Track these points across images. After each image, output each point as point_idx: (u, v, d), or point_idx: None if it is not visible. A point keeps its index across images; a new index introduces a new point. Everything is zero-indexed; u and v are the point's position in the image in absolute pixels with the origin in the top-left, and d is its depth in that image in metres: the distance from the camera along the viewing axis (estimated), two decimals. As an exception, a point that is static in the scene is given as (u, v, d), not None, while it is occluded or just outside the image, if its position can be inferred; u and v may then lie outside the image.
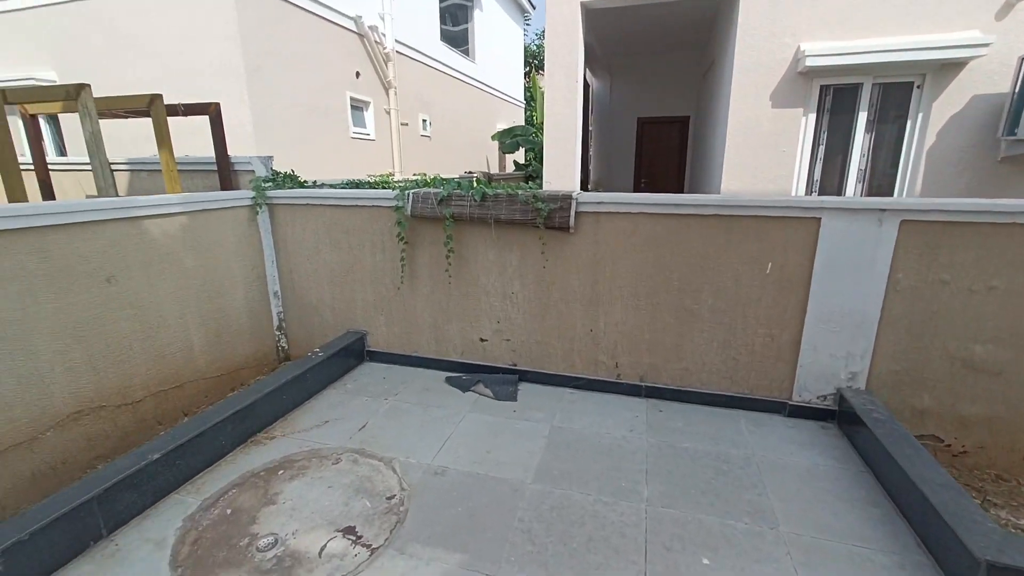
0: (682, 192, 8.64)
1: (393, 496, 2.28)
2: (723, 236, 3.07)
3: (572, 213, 3.23)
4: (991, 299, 2.75)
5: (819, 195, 4.83)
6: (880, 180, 4.52)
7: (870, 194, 4.74)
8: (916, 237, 2.77)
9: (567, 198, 3.23)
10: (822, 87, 4.51)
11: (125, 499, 2.16)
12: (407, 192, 3.55)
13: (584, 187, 8.80)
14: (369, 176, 5.95)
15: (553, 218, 3.26)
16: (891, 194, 4.50)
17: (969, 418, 2.91)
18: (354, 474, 2.45)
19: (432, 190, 3.52)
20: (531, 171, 11.47)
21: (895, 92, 4.39)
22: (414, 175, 4.14)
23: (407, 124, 11.70)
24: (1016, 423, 2.84)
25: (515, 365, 3.63)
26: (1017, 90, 3.56)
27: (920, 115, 4.08)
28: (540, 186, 5.56)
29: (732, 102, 4.91)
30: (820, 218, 2.89)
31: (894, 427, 2.63)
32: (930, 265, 2.79)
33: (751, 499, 2.39)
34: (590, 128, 9.65)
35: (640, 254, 3.23)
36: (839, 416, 3.08)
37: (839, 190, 4.60)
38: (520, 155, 15.43)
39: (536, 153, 12.45)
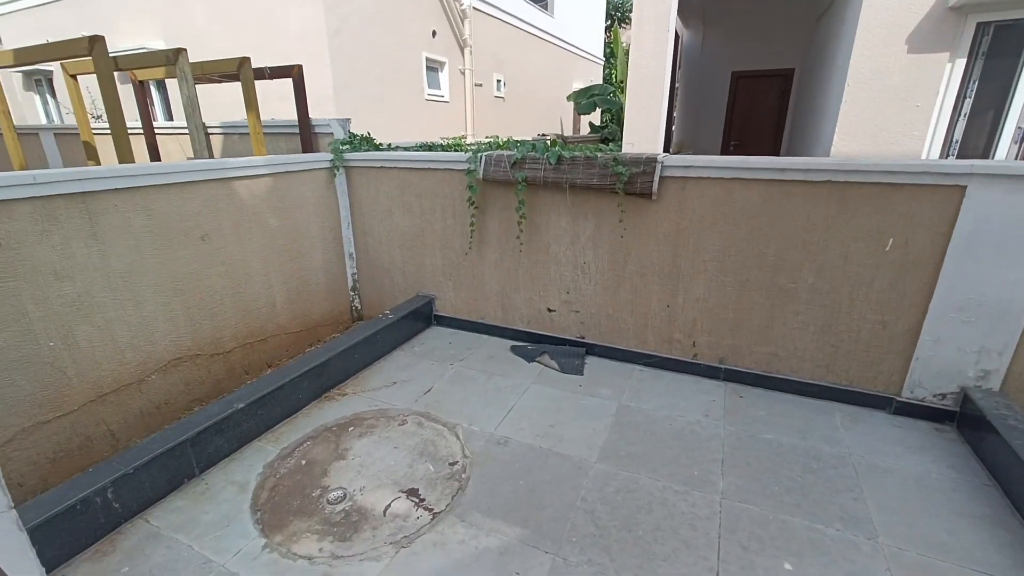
0: (777, 156, 7.79)
1: (456, 462, 2.30)
2: (835, 206, 2.66)
3: (656, 178, 2.96)
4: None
5: (959, 159, 4.07)
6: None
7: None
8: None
9: (651, 161, 2.96)
10: (979, 25, 3.69)
11: (214, 443, 2.35)
12: (480, 155, 3.43)
13: (665, 150, 8.22)
14: (442, 139, 5.92)
15: (634, 183, 3.01)
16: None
17: None
18: (419, 436, 2.49)
19: (506, 152, 3.38)
20: (607, 133, 10.88)
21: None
22: (487, 138, 4.02)
23: (481, 85, 11.50)
24: None
25: (583, 338, 3.49)
26: None
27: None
28: (619, 149, 5.22)
29: (856, 47, 4.20)
30: (966, 186, 2.40)
31: None
32: None
33: (845, 503, 2.13)
34: (676, 85, 8.89)
35: (731, 224, 2.90)
36: (960, 419, 2.66)
37: (985, 153, 3.84)
38: (596, 117, 14.73)
39: (613, 114, 11.75)
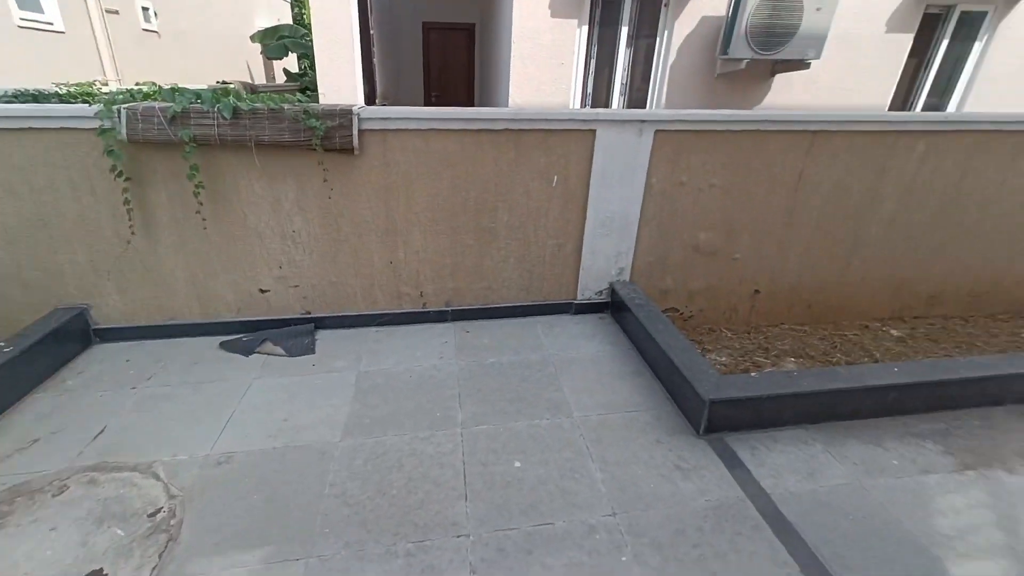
0: (473, 107, 8.50)
1: (158, 510, 1.85)
2: (513, 151, 3.06)
3: (355, 131, 2.81)
4: (712, 195, 3.39)
5: (591, 108, 5.24)
6: (637, 94, 5.08)
7: (630, 107, 5.34)
8: (666, 146, 3.19)
9: (347, 114, 2.78)
10: (591, -2, 4.70)
11: None
12: (117, 108, 2.60)
13: (371, 101, 7.97)
14: (57, 85, 4.26)
15: (332, 138, 2.80)
16: (644, 106, 5.14)
17: (695, 291, 3.69)
18: (93, 500, 1.89)
19: (158, 104, 2.65)
20: (307, 82, 9.86)
21: (649, 8, 4.82)
22: (138, 84, 3.05)
23: (117, 12, 8.69)
24: (722, 289, 3.71)
25: (309, 313, 3.23)
26: (730, 14, 4.25)
27: (666, 32, 4.61)
28: (317, 100, 4.77)
29: (515, 9, 4.79)
30: (595, 130, 3.08)
31: (650, 308, 3.17)
32: (674, 169, 3.27)
33: (550, 396, 2.66)
34: (372, 32, 8.58)
35: (435, 174, 3.04)
36: (612, 306, 3.58)
37: (607, 103, 5.04)
38: (293, 62, 13.11)
39: (312, 60, 10.68)
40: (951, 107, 5.29)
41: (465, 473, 2.11)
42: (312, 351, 2.98)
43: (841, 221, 3.58)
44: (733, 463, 2.22)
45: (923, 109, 5.27)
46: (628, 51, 4.93)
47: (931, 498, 2.04)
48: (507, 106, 5.26)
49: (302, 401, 2.55)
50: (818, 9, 4.14)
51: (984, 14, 4.89)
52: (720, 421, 2.37)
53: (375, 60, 8.70)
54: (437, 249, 3.24)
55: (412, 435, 2.32)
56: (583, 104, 5.03)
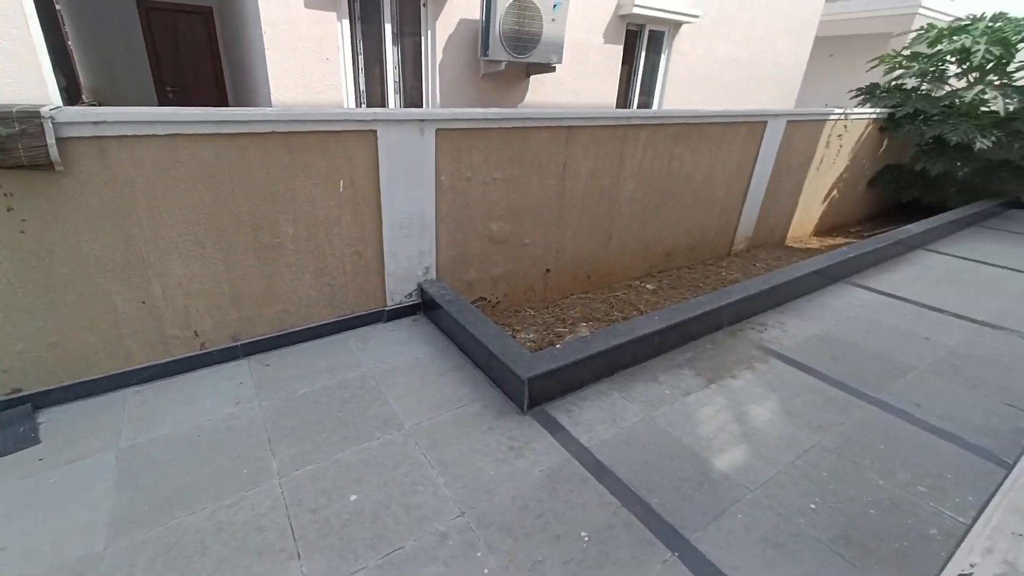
0: (226, 105, 7.37)
1: None
2: (287, 156, 2.74)
3: (50, 141, 2.11)
4: (497, 188, 3.63)
5: (367, 107, 5.04)
6: (411, 92, 5.10)
7: (407, 105, 5.33)
8: (449, 143, 3.27)
9: (31, 117, 2.06)
10: (345, -10, 4.47)
11: None
12: None
13: (76, 100, 6.17)
14: None
15: (13, 151, 2.05)
16: (421, 105, 5.19)
17: (497, 278, 3.95)
18: None
19: None
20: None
21: (409, 7, 4.83)
22: None
23: None
24: (520, 273, 4.06)
25: (18, 391, 2.36)
26: (484, 19, 4.57)
27: (429, 32, 4.71)
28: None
29: (256, -6, 4.23)
30: (376, 130, 2.96)
31: (459, 302, 3.26)
32: (459, 166, 3.39)
33: (377, 413, 2.52)
34: (58, 7, 6.53)
35: (190, 189, 2.51)
36: (424, 307, 3.58)
37: (383, 101, 4.93)
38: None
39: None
40: (655, 104, 6.79)
41: (293, 528, 1.85)
42: (34, 441, 2.19)
43: (599, 202, 4.26)
44: (555, 429, 2.46)
45: (638, 106, 6.63)
46: (395, 49, 4.89)
47: (693, 413, 2.62)
48: (270, 105, 4.68)
49: (31, 516, 1.85)
50: (553, 20, 4.80)
51: (663, 33, 6.39)
52: (539, 395, 2.60)
53: (70, 44, 6.73)
54: (209, 277, 2.71)
55: (214, 507, 1.92)
56: (358, 103, 4.81)
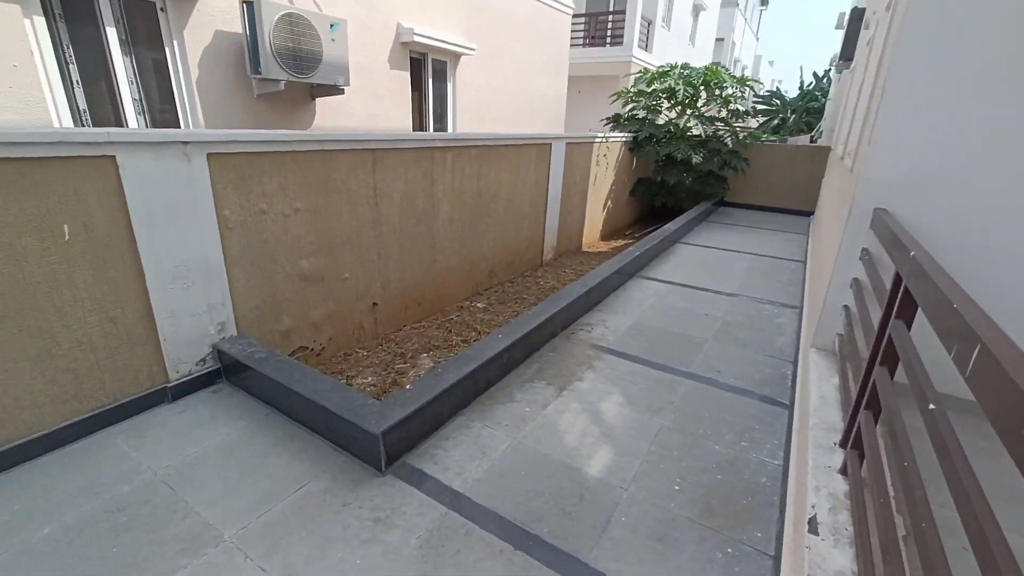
0: None
1: None
2: (-49, 197, 1.82)
3: None
4: (301, 219, 3.13)
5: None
6: (162, 115, 4.09)
7: (156, 128, 4.24)
8: (229, 171, 2.66)
9: None
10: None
11: None
12: None
13: None
14: None
15: None
16: (177, 126, 4.20)
17: (318, 321, 3.42)
18: None
19: None
20: None
21: (139, 10, 3.86)
22: None
23: None
24: (344, 311, 3.59)
25: None
26: (248, 33, 3.95)
27: (175, 42, 3.83)
28: None
29: None
30: (114, 156, 2.21)
31: (275, 358, 2.68)
32: (249, 197, 2.80)
33: (179, 532, 1.83)
34: None
35: None
36: (225, 372, 2.84)
37: (119, 123, 3.82)
38: None
39: None
40: (449, 128, 6.96)
41: None
42: None
43: (417, 226, 4.07)
44: (423, 481, 2.15)
45: (433, 130, 6.69)
46: (128, 60, 3.86)
47: (555, 425, 2.62)
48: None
49: None
50: (333, 40, 4.46)
51: (445, 63, 6.62)
52: (398, 447, 2.25)
53: None
54: None
55: None
56: (80, 124, 3.62)
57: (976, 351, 0.91)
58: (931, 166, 2.26)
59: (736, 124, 8.78)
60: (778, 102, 19.63)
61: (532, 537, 1.89)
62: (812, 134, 17.40)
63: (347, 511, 1.97)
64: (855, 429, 1.79)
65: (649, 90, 8.73)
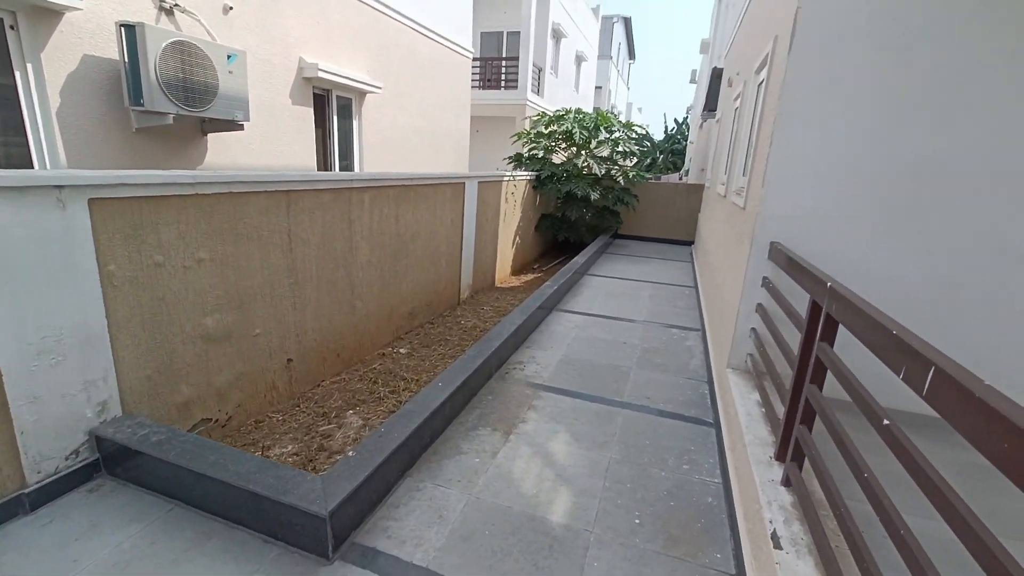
0: None
1: None
2: None
3: None
4: (206, 271, 2.75)
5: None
6: (7, 149, 3.36)
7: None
8: (116, 219, 2.26)
9: None
10: None
11: None
12: None
13: None
14: None
15: None
16: (30, 167, 3.49)
17: (223, 387, 2.98)
18: None
19: None
20: None
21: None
22: None
23: None
24: (254, 372, 3.19)
25: None
26: (127, 59, 3.46)
27: (29, 66, 3.20)
28: None
29: None
30: (-47, 205, 1.76)
31: (178, 438, 2.26)
32: (141, 248, 2.39)
33: None
34: None
35: None
36: (105, 463, 2.33)
37: (-58, 160, 3.06)
38: None
39: None
40: (356, 167, 6.70)
41: None
42: None
43: (336, 271, 3.79)
44: (377, 560, 1.92)
45: (339, 169, 6.40)
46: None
47: (509, 474, 2.52)
48: None
49: None
50: (230, 72, 4.09)
51: (351, 100, 6.43)
52: (345, 526, 2.00)
53: None
54: None
55: None
56: None
57: (931, 372, 1.05)
58: (813, 205, 2.66)
59: (625, 164, 9.66)
60: (648, 144, 22.09)
61: (510, 604, 1.77)
62: (681, 172, 19.83)
63: (293, 614, 1.68)
64: (792, 442, 1.98)
65: (547, 132, 9.30)
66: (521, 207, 8.16)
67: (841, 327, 1.69)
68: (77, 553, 1.88)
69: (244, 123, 4.30)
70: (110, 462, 2.32)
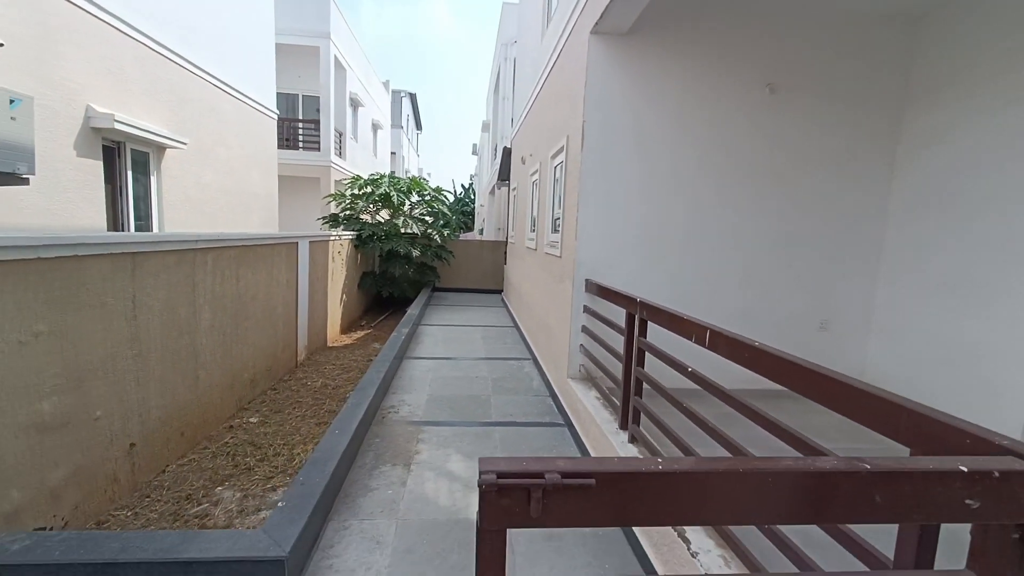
0: None
1: None
2: None
3: None
4: (44, 346, 2.38)
5: None
6: None
7: None
8: (-52, 289, 1.90)
9: None
10: None
11: None
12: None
13: None
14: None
15: None
16: None
17: (59, 485, 2.51)
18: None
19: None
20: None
21: None
22: None
23: None
24: (94, 464, 2.73)
25: None
26: None
27: None
28: None
29: None
30: None
31: (46, 539, 1.94)
32: (-28, 324, 2.02)
33: None
34: None
35: None
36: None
37: None
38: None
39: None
40: (155, 228, 5.85)
41: None
42: None
43: (179, 338, 3.47)
44: (338, 590, 2.04)
45: (136, 229, 5.53)
46: None
47: (424, 494, 2.82)
48: None
49: None
50: (13, 118, 3.42)
51: (147, 154, 5.72)
52: (294, 573, 2.05)
53: None
54: None
55: None
56: None
57: (708, 333, 1.98)
58: (605, 252, 3.83)
59: (437, 224, 10.63)
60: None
61: (467, 582, 2.12)
62: (475, 231, 22.12)
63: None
64: (630, 411, 2.88)
65: (360, 193, 9.65)
66: (345, 266, 8.22)
67: (650, 323, 2.68)
68: None
69: (29, 176, 3.62)
70: (-74, 600, 1.80)
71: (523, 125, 8.00)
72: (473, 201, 27.70)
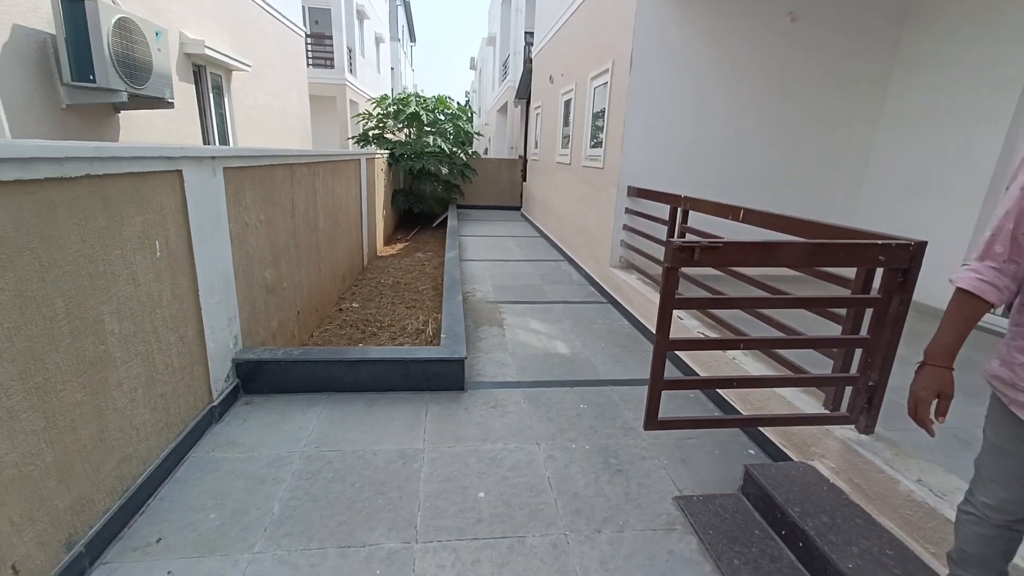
0: None
1: None
2: (102, 212, 1.79)
3: None
4: (264, 231, 3.30)
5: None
6: None
7: None
8: (231, 185, 2.79)
9: None
10: None
11: None
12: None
13: None
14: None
15: None
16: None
17: (274, 332, 3.54)
18: None
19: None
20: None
21: None
22: None
23: None
24: (285, 322, 3.77)
25: None
26: (68, 33, 3.25)
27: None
28: None
29: None
30: (181, 170, 2.28)
31: (295, 353, 2.97)
32: (239, 210, 2.93)
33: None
34: None
35: None
36: (244, 384, 2.88)
37: None
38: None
39: None
40: (231, 143, 6.49)
41: None
42: None
43: (311, 235, 4.39)
44: (486, 387, 3.17)
45: (235, 144, 6.21)
46: None
47: (527, 343, 3.94)
48: None
49: None
50: (159, 49, 4.00)
51: (220, 77, 6.22)
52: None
53: None
54: (25, 449, 1.48)
55: None
56: None
57: (742, 212, 2.96)
58: (647, 162, 4.71)
59: (459, 142, 11.16)
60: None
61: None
62: (480, 150, 22.25)
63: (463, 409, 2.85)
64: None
65: (387, 112, 10.09)
66: (384, 183, 8.94)
67: (691, 212, 3.65)
68: (290, 426, 2.60)
69: (173, 101, 4.32)
70: (248, 382, 2.89)
71: (549, 45, 8.37)
72: (470, 120, 27.31)
